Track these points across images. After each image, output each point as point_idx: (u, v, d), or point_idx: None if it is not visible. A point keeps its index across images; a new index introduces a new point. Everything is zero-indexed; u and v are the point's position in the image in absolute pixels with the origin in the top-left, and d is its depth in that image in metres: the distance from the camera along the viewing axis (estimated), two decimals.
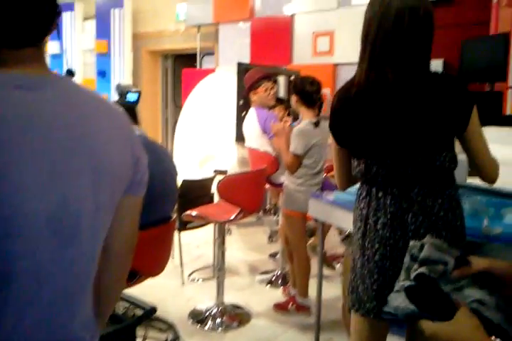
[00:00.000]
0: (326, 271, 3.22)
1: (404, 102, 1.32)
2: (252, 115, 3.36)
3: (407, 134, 1.34)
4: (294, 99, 2.79)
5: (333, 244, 3.98)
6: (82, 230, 0.78)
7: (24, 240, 0.72)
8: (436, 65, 3.98)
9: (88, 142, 0.78)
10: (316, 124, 2.72)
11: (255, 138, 3.36)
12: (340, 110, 1.43)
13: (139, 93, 2.84)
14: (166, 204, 2.22)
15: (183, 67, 6.47)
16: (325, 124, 2.81)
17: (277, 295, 3.19)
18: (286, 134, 2.77)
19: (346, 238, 3.68)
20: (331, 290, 3.01)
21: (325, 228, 2.60)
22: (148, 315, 2.06)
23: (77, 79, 6.77)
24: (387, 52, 1.33)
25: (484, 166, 1.39)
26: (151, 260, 2.13)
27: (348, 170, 1.51)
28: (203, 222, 3.23)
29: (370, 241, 1.42)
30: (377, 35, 1.34)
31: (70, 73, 2.46)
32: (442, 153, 1.34)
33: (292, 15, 5.19)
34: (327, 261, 3.58)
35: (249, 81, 3.37)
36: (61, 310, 0.79)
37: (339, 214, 2.17)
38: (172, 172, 2.24)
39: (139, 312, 2.44)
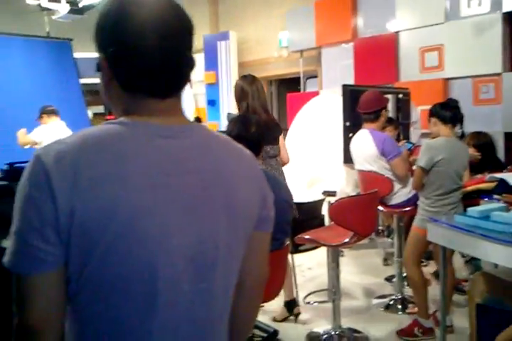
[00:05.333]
0: (454, 297, 3.06)
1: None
2: (366, 137, 3.31)
3: None
4: (432, 120, 2.85)
5: (456, 265, 3.77)
6: (217, 266, 0.83)
7: (167, 274, 0.77)
8: None
9: (222, 184, 0.84)
10: (461, 137, 2.85)
11: (371, 160, 3.31)
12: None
13: None
14: (278, 234, 2.27)
15: (287, 91, 6.64)
16: (461, 143, 2.83)
17: (396, 320, 3.09)
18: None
19: (470, 261, 3.46)
20: (459, 317, 2.86)
21: (448, 252, 2.50)
22: (272, 337, 2.12)
23: (190, 109, 7.23)
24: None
25: None
26: (267, 285, 2.20)
27: None
28: (314, 244, 3.25)
29: None
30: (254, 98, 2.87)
31: (198, 120, 2.74)
32: None
33: (397, 33, 5.12)
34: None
35: (383, 100, 3.40)
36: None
37: (460, 239, 2.08)
38: (287, 202, 2.29)
39: (258, 332, 2.50)
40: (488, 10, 4.36)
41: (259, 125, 2.40)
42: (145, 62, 0.78)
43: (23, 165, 2.09)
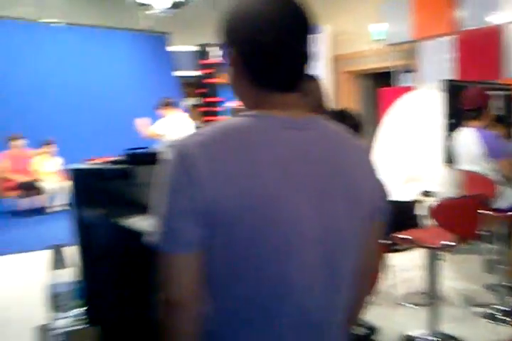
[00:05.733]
0: None
1: None
2: (471, 136, 3.14)
3: None
4: None
5: None
6: (338, 255, 0.86)
7: (299, 259, 0.81)
8: None
9: (342, 174, 0.88)
10: None
11: (476, 160, 3.14)
12: None
13: None
14: None
15: (381, 85, 6.47)
16: None
17: (499, 331, 2.93)
18: None
19: None
20: None
21: None
22: (371, 333, 2.09)
23: None
24: None
25: None
26: None
27: None
28: (410, 245, 3.15)
29: None
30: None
31: None
32: None
33: (501, 25, 4.81)
34: None
35: (487, 97, 3.23)
36: (321, 328, 0.87)
37: None
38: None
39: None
40: None
41: (354, 119, 2.40)
42: (269, 59, 0.84)
43: (140, 150, 2.22)
